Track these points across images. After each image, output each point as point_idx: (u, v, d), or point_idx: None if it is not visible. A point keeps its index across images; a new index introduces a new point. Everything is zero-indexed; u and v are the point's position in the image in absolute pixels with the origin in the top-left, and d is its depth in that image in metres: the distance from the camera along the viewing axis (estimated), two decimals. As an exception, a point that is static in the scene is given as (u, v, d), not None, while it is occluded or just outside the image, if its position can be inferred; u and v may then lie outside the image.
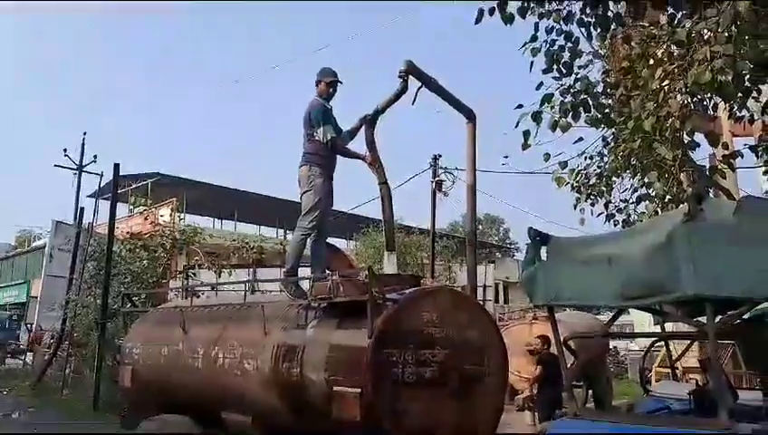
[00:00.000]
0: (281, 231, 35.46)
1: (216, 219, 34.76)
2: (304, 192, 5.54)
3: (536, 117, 6.91)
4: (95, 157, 23.96)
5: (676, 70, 4.71)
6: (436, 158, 17.39)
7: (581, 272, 3.15)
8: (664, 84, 4.90)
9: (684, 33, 4.62)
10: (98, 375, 12.40)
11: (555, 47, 6.16)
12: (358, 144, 6.00)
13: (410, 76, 5.73)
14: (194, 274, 15.51)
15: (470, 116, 6.72)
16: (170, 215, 19.53)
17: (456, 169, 17.31)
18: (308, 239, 5.48)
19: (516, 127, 7.61)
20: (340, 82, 5.74)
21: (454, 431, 4.61)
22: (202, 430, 5.58)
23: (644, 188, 6.26)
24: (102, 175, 17.58)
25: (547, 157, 8.29)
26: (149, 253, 14.15)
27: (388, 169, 5.66)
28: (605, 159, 7.44)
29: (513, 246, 50.34)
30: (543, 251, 3.41)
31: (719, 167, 5.71)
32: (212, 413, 5.50)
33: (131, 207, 17.39)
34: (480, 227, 53.94)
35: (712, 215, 2.97)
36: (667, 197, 5.84)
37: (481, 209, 51.57)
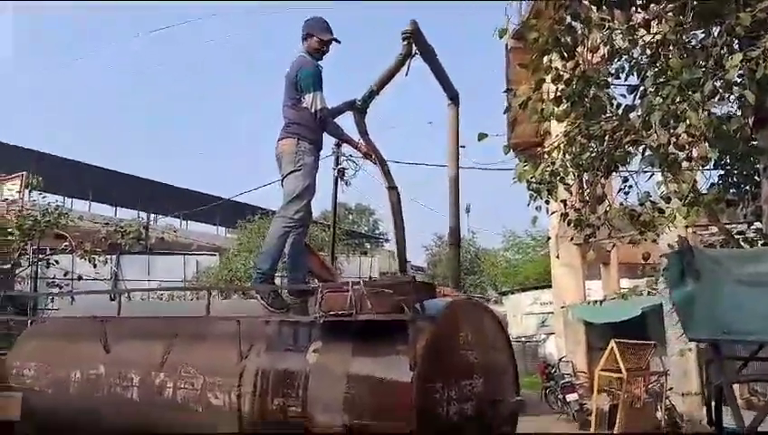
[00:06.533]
0: (143, 214, 32.38)
1: (66, 198, 30.87)
2: (290, 172, 4.34)
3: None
4: None
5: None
6: (338, 144, 16.31)
7: (758, 296, 2.42)
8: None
9: (748, 19, 4.14)
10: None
11: (563, 26, 5.53)
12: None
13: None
14: (56, 261, 13.26)
15: (454, 98, 5.87)
16: (19, 191, 16.70)
17: (362, 156, 16.37)
18: (291, 234, 4.31)
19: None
20: (338, 42, 4.61)
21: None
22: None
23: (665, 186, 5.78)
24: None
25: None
26: (3, 235, 11.78)
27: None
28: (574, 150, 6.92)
29: (382, 237, 50.45)
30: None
31: None
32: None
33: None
34: (350, 216, 53.59)
35: None
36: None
37: (352, 199, 51.09)
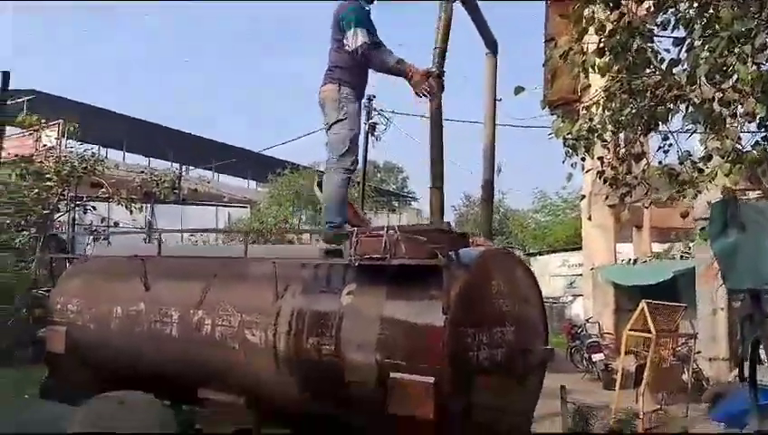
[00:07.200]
0: (175, 165, 32.79)
1: (101, 147, 31.38)
2: (336, 121, 4.34)
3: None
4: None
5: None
6: (370, 99, 16.23)
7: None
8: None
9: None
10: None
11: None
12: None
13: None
14: (93, 208, 13.59)
15: (493, 47, 5.77)
16: (57, 138, 17.02)
17: (393, 112, 16.37)
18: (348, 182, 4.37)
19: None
20: None
21: (513, 421, 3.87)
22: (176, 409, 4.39)
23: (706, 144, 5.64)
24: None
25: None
26: (42, 180, 12.08)
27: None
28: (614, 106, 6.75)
29: (410, 196, 50.41)
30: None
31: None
32: (185, 392, 4.34)
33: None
34: (379, 174, 53.49)
35: None
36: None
37: (380, 157, 50.85)
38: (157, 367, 4.47)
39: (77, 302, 4.98)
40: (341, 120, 4.31)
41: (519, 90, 6.55)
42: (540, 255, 26.28)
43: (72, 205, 13.90)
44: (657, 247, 15.71)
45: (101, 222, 13.62)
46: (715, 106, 5.35)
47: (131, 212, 12.63)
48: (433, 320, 3.32)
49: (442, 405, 3.22)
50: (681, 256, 13.68)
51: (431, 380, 3.23)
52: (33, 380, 8.42)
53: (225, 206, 23.51)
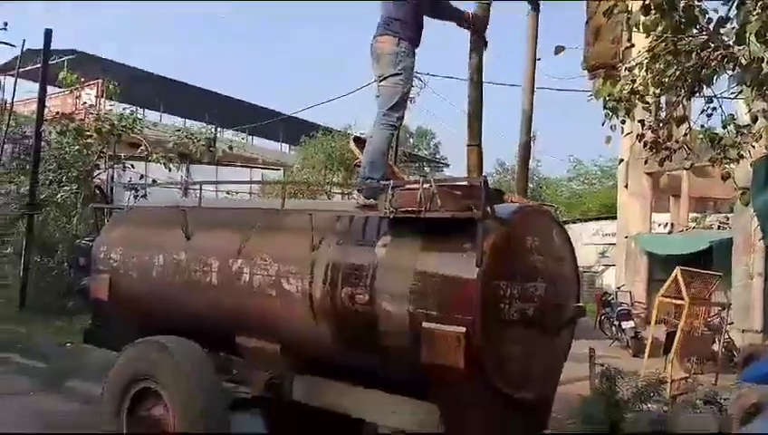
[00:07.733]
0: (210, 126, 33.13)
1: (138, 108, 31.81)
2: (391, 75, 4.24)
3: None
4: (5, 24, 20.53)
5: None
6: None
7: None
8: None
9: None
10: (26, 272, 11.04)
11: None
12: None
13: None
14: (131, 165, 13.90)
15: (535, 5, 5.65)
16: (97, 97, 17.33)
17: (428, 74, 16.22)
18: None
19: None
20: None
21: (543, 377, 3.92)
22: (214, 356, 4.55)
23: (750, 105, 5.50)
24: (24, 44, 14.71)
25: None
26: (83, 138, 12.35)
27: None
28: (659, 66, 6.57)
29: (442, 162, 50.12)
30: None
31: None
32: (223, 339, 4.50)
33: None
34: (411, 140, 53.18)
35: None
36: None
37: (414, 122, 50.37)
38: (196, 314, 4.62)
39: (120, 250, 5.14)
40: (397, 74, 4.24)
41: (559, 49, 6.44)
42: (573, 223, 26.02)
43: (112, 163, 14.23)
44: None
45: (140, 179, 13.93)
46: (764, 66, 5.19)
47: (169, 170, 12.89)
48: (466, 272, 3.36)
49: (473, 355, 3.29)
50: (718, 227, 13.44)
51: (462, 329, 3.29)
52: (74, 330, 8.81)
53: (258, 168, 23.80)
